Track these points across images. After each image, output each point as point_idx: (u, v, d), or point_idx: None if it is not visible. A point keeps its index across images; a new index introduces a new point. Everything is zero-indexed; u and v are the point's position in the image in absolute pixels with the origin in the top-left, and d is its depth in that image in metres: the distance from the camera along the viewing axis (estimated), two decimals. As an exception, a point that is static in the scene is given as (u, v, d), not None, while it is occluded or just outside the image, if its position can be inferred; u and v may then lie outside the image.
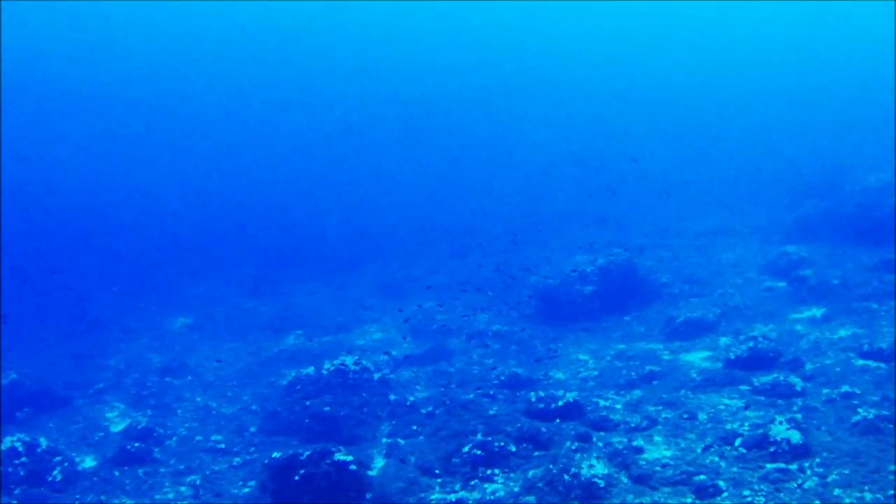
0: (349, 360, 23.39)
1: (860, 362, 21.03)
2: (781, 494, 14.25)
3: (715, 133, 71.73)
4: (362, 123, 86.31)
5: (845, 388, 19.02)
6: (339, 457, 16.02)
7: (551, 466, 15.63)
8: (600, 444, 17.31)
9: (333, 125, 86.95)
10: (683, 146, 66.75)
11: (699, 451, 16.63)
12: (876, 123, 61.13)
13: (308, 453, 16.02)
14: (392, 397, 22.92)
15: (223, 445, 21.90)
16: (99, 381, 28.75)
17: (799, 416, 17.53)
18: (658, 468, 15.90)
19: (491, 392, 22.72)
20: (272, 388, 25.81)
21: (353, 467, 15.99)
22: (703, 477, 15.11)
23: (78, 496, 18.92)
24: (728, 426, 17.49)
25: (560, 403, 19.54)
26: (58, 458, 20.12)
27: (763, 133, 68.80)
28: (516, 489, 15.77)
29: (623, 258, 31.30)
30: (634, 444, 17.21)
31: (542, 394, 20.15)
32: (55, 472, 19.68)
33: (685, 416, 18.88)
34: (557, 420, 18.89)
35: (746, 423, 17.29)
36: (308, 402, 22.03)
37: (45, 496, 18.79)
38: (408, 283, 39.08)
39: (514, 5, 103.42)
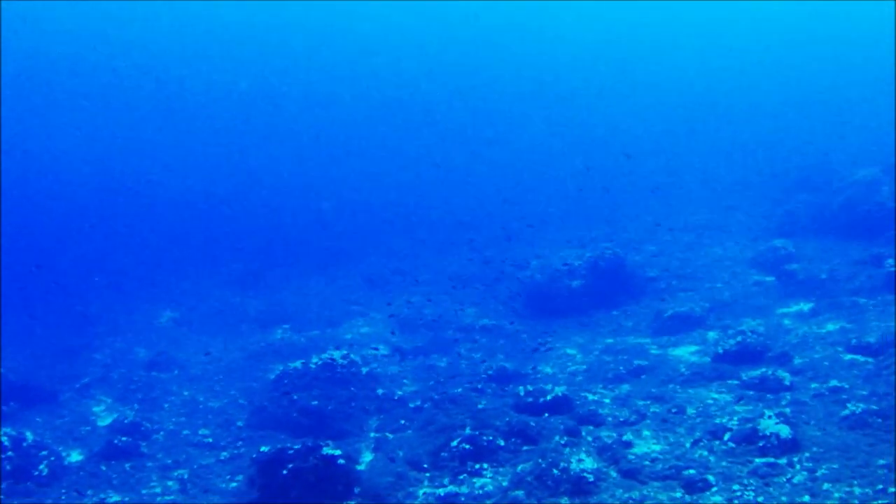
0: (337, 354, 23.36)
1: (848, 357, 21.05)
2: (771, 489, 14.25)
3: (704, 128, 71.69)
4: (353, 119, 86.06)
5: (834, 383, 19.04)
6: (328, 451, 15.98)
7: (540, 461, 15.60)
8: (589, 439, 17.30)
9: (324, 120, 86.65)
10: (673, 141, 66.71)
11: (688, 445, 16.63)
12: (865, 119, 61.24)
13: (296, 448, 15.97)
14: (380, 391, 22.88)
15: (210, 440, 21.84)
16: (85, 375, 28.58)
17: (788, 410, 17.53)
18: (647, 462, 15.89)
19: (479, 386, 22.69)
20: (259, 382, 25.70)
21: (341, 461, 15.95)
22: (692, 471, 15.09)
23: (64, 490, 18.83)
24: (717, 420, 17.47)
25: (549, 398, 19.52)
26: (44, 453, 20.02)
27: (752, 128, 68.83)
28: (505, 483, 15.73)
29: (611, 253, 31.27)
30: (623, 438, 17.19)
31: (530, 388, 20.14)
32: (41, 467, 19.58)
33: (674, 410, 18.87)
34: (546, 414, 18.87)
35: (735, 418, 17.28)
36: (296, 396, 21.97)
37: (31, 490, 18.68)
38: (396, 277, 38.99)
39: (510, 5, 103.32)
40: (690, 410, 18.73)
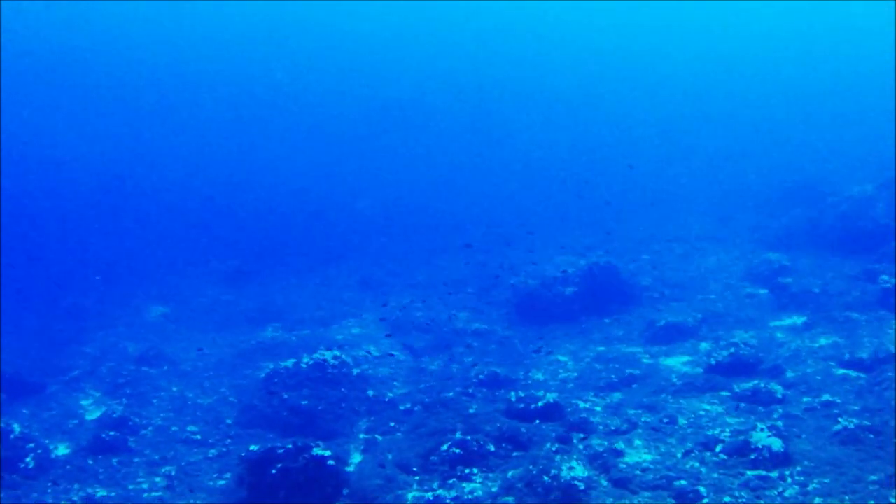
0: (328, 355, 23.26)
1: (840, 371, 21.06)
2: (762, 502, 14.21)
3: (701, 137, 71.82)
4: (351, 120, 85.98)
5: (826, 397, 19.05)
6: (318, 451, 15.93)
7: (531, 467, 15.53)
8: (580, 447, 17.22)
9: (321, 121, 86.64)
10: (670, 150, 66.80)
11: (679, 455, 16.58)
12: (863, 131, 61.41)
13: (286, 447, 15.90)
14: (370, 393, 22.79)
15: (199, 437, 21.74)
16: (74, 368, 28.47)
17: (780, 423, 17.51)
18: (638, 472, 15.84)
19: (470, 391, 22.61)
20: (249, 380, 25.60)
21: (331, 462, 15.89)
22: (683, 482, 15.05)
23: (50, 483, 18.71)
24: (709, 432, 17.43)
25: (540, 404, 19.40)
26: (31, 445, 19.91)
27: (749, 139, 68.93)
28: (494, 489, 15.66)
29: (605, 261, 31.22)
30: (615, 447, 17.13)
31: (522, 394, 20.03)
32: (28, 459, 19.47)
33: (665, 420, 18.83)
34: (537, 421, 18.77)
35: (727, 429, 17.24)
36: (286, 396, 21.89)
37: (18, 483, 18.56)
38: (389, 279, 38.90)
39: (509, 5, 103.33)
40: (682, 421, 18.69)
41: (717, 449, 16.36)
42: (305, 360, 23.01)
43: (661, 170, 59.56)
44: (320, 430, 20.85)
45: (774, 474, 15.11)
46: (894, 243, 29.89)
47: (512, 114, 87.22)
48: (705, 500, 14.48)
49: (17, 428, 20.14)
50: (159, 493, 18.07)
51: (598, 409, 20.44)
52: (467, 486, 15.98)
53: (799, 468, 15.23)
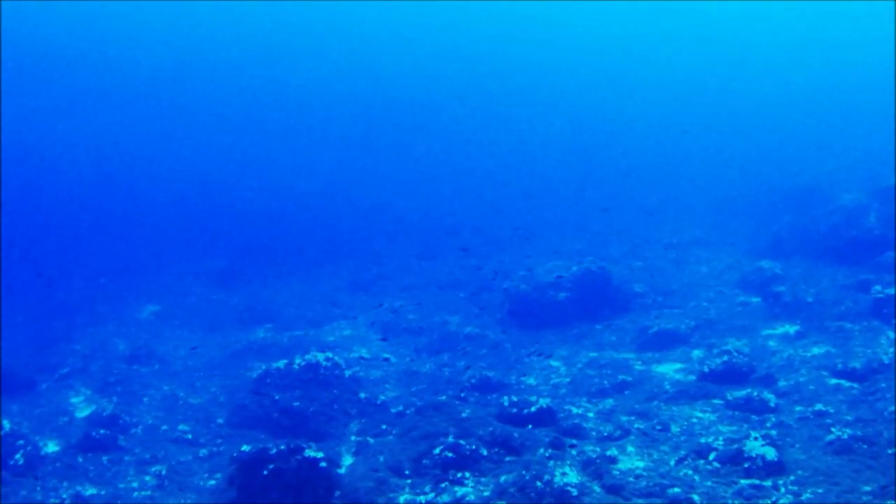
0: (321, 356, 23.21)
1: (833, 381, 21.01)
2: (755, 511, 14.19)
3: (695, 144, 71.96)
4: (345, 123, 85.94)
5: (819, 407, 18.99)
6: (310, 453, 15.85)
7: (524, 472, 15.49)
8: (573, 452, 17.18)
9: (314, 123, 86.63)
10: (664, 158, 66.90)
11: (672, 463, 16.55)
12: (859, 140, 61.55)
13: (279, 448, 15.83)
14: (362, 395, 22.73)
15: (190, 436, 21.67)
16: (65, 365, 28.42)
17: (773, 432, 17.47)
18: (631, 479, 15.79)
19: (462, 394, 22.57)
20: (240, 380, 25.54)
21: (323, 464, 15.82)
22: (676, 490, 15.00)
23: (38, 481, 18.62)
24: (702, 440, 17.37)
25: (533, 409, 19.39)
26: (21, 442, 19.84)
27: (744, 147, 69.05)
28: (487, 493, 15.60)
29: (598, 266, 31.20)
30: (608, 453, 17.07)
31: (514, 398, 19.99)
32: (17, 456, 19.39)
33: (658, 427, 18.80)
34: (530, 426, 18.75)
35: (720, 438, 17.20)
36: (277, 396, 21.82)
37: (7, 480, 18.48)
38: (380, 281, 38.87)
39: (509, 8, 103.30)
40: (675, 428, 18.67)
41: (711, 457, 16.32)
42: (298, 360, 22.97)
43: (655, 177, 59.65)
44: (311, 432, 20.80)
45: (768, 483, 15.06)
46: (891, 253, 29.92)
47: (509, 119, 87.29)
48: (699, 509, 14.46)
49: (6, 425, 20.07)
50: (149, 492, 17.99)
51: (590, 414, 20.40)
52: (459, 490, 15.90)
53: (792, 477, 15.19)
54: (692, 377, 22.58)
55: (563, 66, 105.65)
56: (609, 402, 21.43)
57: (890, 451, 15.71)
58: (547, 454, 16.77)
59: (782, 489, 14.82)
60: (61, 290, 37.87)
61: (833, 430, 17.07)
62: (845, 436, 16.52)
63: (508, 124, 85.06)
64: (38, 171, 61.89)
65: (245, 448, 16.46)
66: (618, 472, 16.13)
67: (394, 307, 32.17)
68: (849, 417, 18.13)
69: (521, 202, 54.40)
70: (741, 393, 20.07)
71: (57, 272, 38.96)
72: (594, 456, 16.81)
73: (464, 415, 18.65)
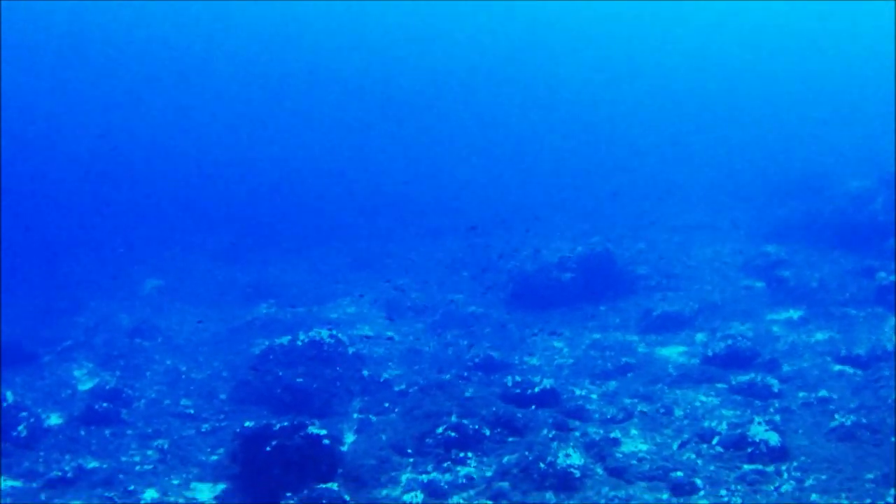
0: (325, 333, 23.20)
1: (837, 367, 21.02)
2: (758, 496, 14.17)
3: (701, 129, 71.76)
4: (355, 104, 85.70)
5: (822, 393, 18.98)
6: (314, 430, 15.90)
7: (527, 453, 15.51)
8: (577, 434, 17.17)
9: (322, 101, 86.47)
10: (670, 144, 66.67)
11: (675, 447, 16.55)
12: (867, 126, 61.40)
13: (282, 424, 15.84)
14: (365, 373, 22.67)
15: (192, 411, 21.64)
16: (68, 338, 28.41)
17: (777, 417, 17.47)
18: (634, 462, 15.78)
19: (465, 374, 22.55)
20: (243, 356, 25.48)
21: (326, 441, 15.84)
22: (679, 474, 14.99)
23: (42, 453, 18.64)
24: (705, 423, 17.40)
25: (536, 390, 19.41)
26: (24, 414, 19.82)
27: (750, 132, 68.86)
28: (489, 473, 15.62)
29: (602, 248, 31.15)
30: (611, 435, 17.06)
31: (518, 379, 20.02)
32: (20, 428, 19.39)
33: (661, 410, 18.78)
34: (533, 406, 18.75)
35: (724, 422, 17.22)
36: (280, 373, 21.82)
37: (10, 451, 18.49)
38: (384, 259, 38.79)
39: (512, 4, 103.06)
40: (678, 412, 18.66)
41: (714, 441, 16.32)
42: (301, 337, 22.94)
43: (660, 161, 59.53)
44: (314, 409, 20.77)
45: (771, 469, 15.07)
46: (893, 240, 29.85)
47: (519, 104, 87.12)
48: (701, 493, 14.45)
49: (10, 396, 20.07)
50: (151, 466, 17.99)
51: (593, 396, 20.40)
52: (462, 470, 15.92)
53: (796, 463, 15.19)
54: (696, 361, 22.57)
55: (575, 52, 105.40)
56: (612, 384, 21.43)
57: (893, 439, 15.71)
58: (550, 435, 16.77)
59: (785, 475, 14.83)
60: (65, 264, 37.86)
61: (836, 416, 17.08)
62: (849, 423, 16.51)
63: (518, 109, 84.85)
64: (44, 146, 61.82)
65: (248, 424, 16.50)
66: (621, 455, 16.13)
67: (397, 285, 32.13)
68: (852, 404, 18.11)
69: (530, 187, 54.29)
70: (745, 377, 20.07)
71: (61, 246, 38.94)
72: (597, 438, 16.81)
73: (467, 394, 18.64)
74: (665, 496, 14.48)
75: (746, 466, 15.21)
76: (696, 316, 26.76)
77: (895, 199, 32.11)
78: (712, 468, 15.32)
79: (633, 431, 17.60)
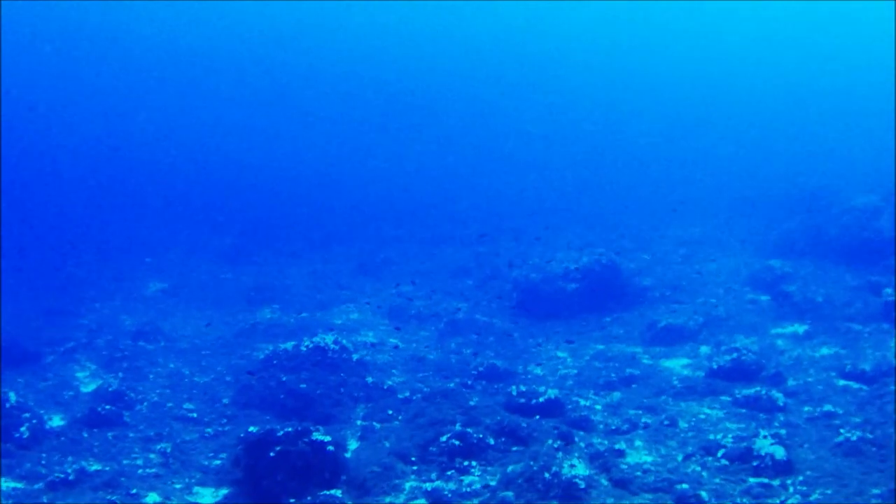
0: (329, 339, 23.18)
1: (842, 382, 20.96)
2: (764, 510, 14.14)
3: (705, 146, 71.81)
4: (359, 109, 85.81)
5: (827, 408, 18.91)
6: (318, 436, 15.84)
7: (531, 463, 15.43)
8: (581, 445, 17.12)
9: (327, 104, 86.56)
10: (674, 157, 66.71)
11: (680, 459, 16.50)
12: (869, 144, 61.39)
13: (286, 430, 15.80)
14: (369, 380, 22.63)
15: (195, 415, 21.58)
16: (71, 339, 28.34)
17: (782, 431, 17.40)
18: (639, 473, 15.72)
19: (469, 382, 22.54)
20: (246, 360, 25.47)
21: (330, 448, 15.80)
22: (685, 486, 14.92)
23: (44, 454, 18.58)
24: (710, 436, 17.36)
25: (541, 399, 19.39)
26: (26, 415, 19.73)
27: (754, 147, 68.89)
28: (493, 483, 15.55)
29: (608, 259, 31.13)
30: (616, 447, 17.03)
31: (523, 388, 19.98)
32: (23, 429, 19.29)
33: (666, 422, 18.74)
34: (537, 416, 18.70)
35: (729, 435, 17.17)
36: (284, 378, 21.78)
37: (11, 452, 18.43)
38: (388, 265, 38.82)
39: (521, 6, 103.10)
40: (683, 424, 18.61)
41: (719, 454, 16.28)
42: (306, 342, 22.93)
43: (664, 175, 59.54)
44: (317, 415, 20.71)
45: (776, 482, 15.03)
46: (897, 256, 29.84)
47: (527, 113, 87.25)
48: (707, 505, 14.41)
49: (12, 397, 19.98)
50: (154, 470, 17.92)
51: (598, 407, 20.37)
52: (466, 479, 15.88)
53: (801, 478, 15.15)
54: (700, 373, 22.52)
55: (587, 63, 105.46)
56: (616, 395, 21.39)
57: (899, 455, 15.67)
58: (555, 445, 16.71)
59: (791, 489, 14.78)
60: (69, 265, 37.83)
61: (842, 431, 17.01)
62: (854, 437, 16.46)
63: (526, 118, 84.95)
64: (46, 146, 61.89)
65: (252, 429, 16.44)
66: (626, 466, 16.08)
67: (402, 292, 32.10)
68: (857, 419, 18.06)
69: (533, 195, 54.30)
70: (749, 391, 20.02)
71: (65, 247, 38.88)
72: (602, 449, 16.76)
73: (471, 403, 18.58)
74: (670, 508, 14.45)
75: (752, 480, 15.15)
76: (700, 329, 26.72)
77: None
78: (717, 481, 15.27)
79: (638, 443, 17.56)
